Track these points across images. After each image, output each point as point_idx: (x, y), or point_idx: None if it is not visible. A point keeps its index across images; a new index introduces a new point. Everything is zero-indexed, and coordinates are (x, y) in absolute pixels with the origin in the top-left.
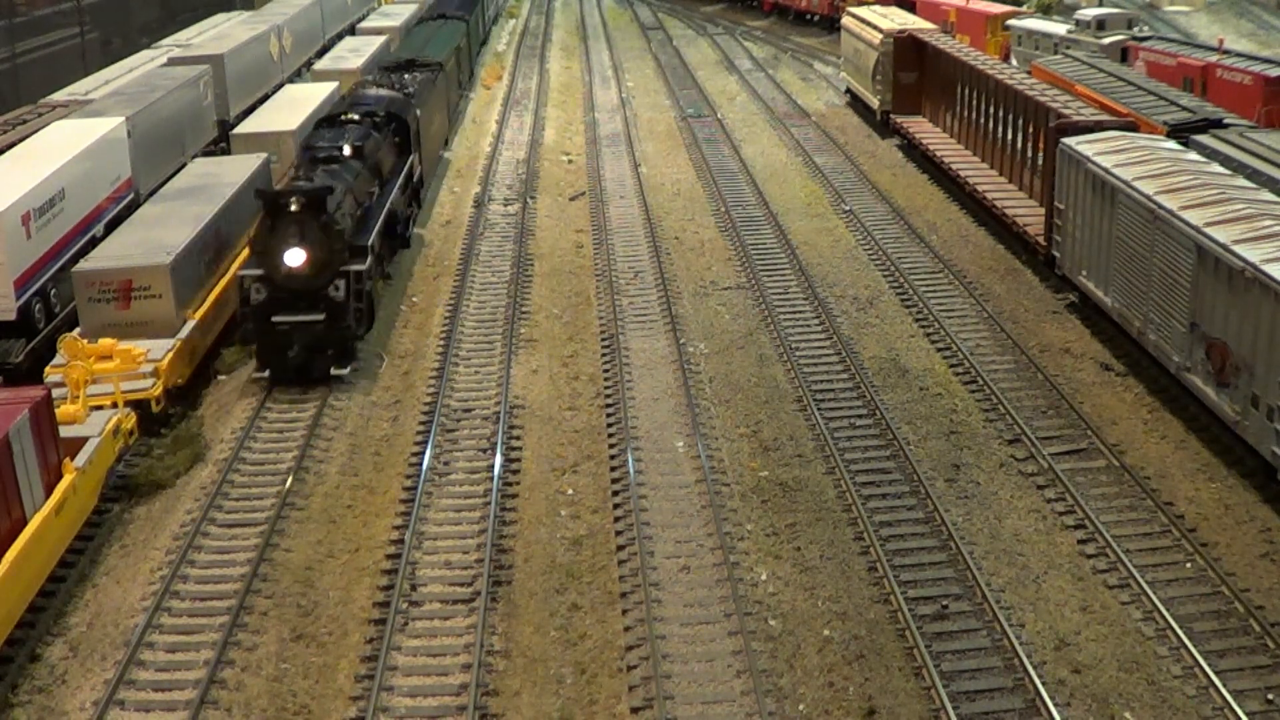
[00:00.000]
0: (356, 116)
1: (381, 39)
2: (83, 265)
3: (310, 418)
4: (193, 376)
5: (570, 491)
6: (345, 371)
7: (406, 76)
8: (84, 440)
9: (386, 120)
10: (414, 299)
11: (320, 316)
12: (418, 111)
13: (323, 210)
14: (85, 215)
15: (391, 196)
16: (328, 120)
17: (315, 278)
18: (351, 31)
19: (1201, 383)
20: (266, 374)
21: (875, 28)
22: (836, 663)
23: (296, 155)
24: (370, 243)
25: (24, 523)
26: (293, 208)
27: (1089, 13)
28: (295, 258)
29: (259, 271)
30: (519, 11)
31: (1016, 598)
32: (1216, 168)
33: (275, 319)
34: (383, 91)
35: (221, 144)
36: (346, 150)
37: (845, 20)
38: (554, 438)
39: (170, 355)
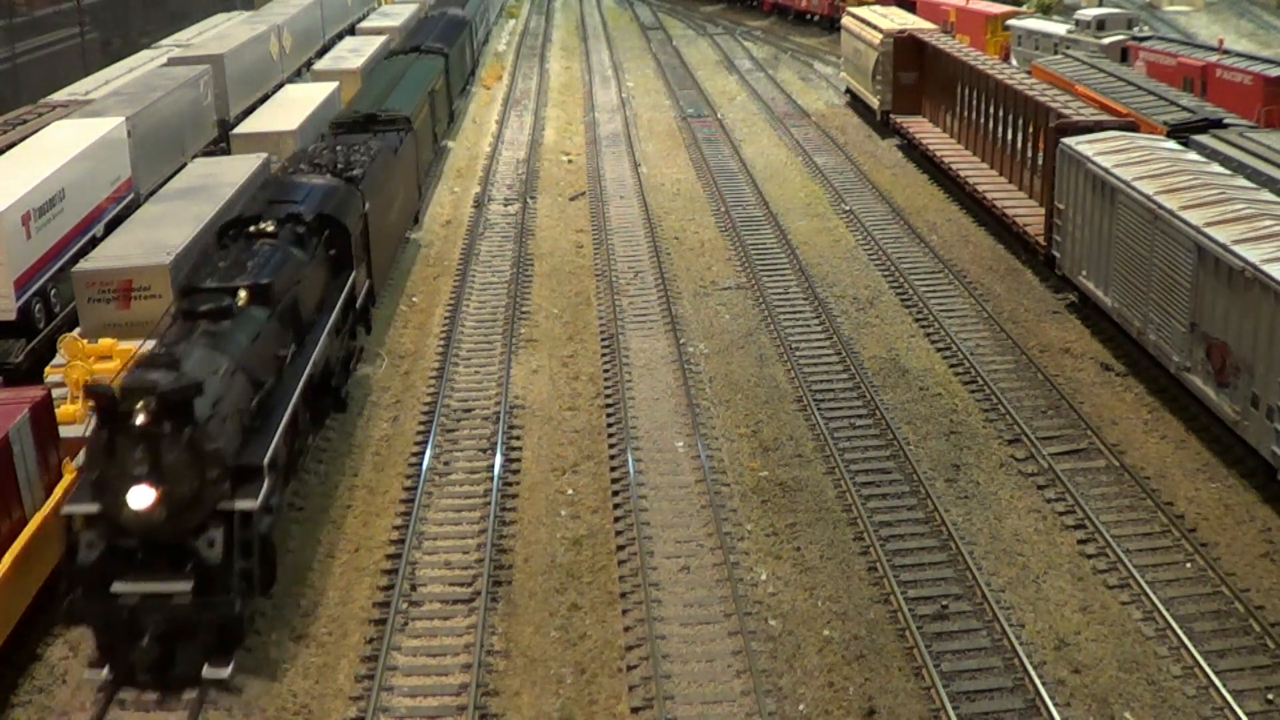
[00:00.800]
0: (272, 226)
1: (381, 39)
2: (83, 265)
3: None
4: None
5: (570, 491)
6: (225, 673)
7: (357, 152)
8: (84, 440)
9: (317, 226)
10: (414, 299)
11: (184, 586)
12: (366, 206)
13: (187, 420)
14: (85, 215)
15: (316, 350)
16: (232, 228)
17: (176, 524)
18: (351, 31)
19: (1201, 383)
20: (105, 673)
21: (875, 28)
22: (836, 663)
23: (174, 298)
24: (268, 459)
25: (24, 523)
26: (139, 418)
27: (1089, 13)
28: (142, 498)
29: (93, 508)
30: (519, 11)
31: (1016, 598)
32: (1216, 168)
33: (116, 588)
34: (316, 180)
35: (221, 144)
36: (242, 296)
37: (845, 20)
38: (554, 438)
39: None
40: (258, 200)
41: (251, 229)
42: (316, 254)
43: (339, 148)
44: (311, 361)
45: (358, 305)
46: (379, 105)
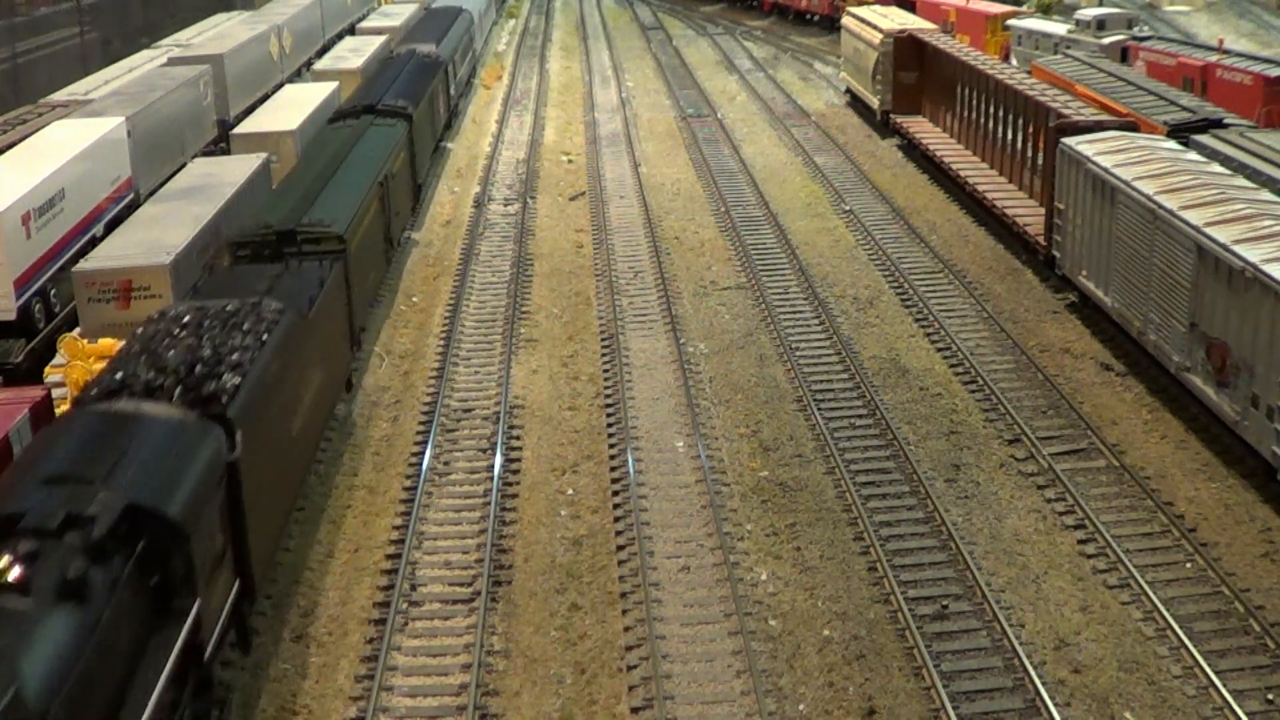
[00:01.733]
0: (18, 569)
1: (381, 39)
2: (82, 265)
3: None
4: None
5: (570, 491)
6: None
7: (237, 329)
8: None
9: (125, 534)
10: (414, 299)
11: None
12: (237, 450)
13: None
14: (85, 215)
15: None
16: None
17: None
18: (351, 31)
19: (1201, 383)
20: None
21: (875, 28)
22: (836, 663)
23: None
24: None
25: None
26: None
27: (1089, 13)
28: None
29: None
30: (519, 11)
31: (1016, 598)
32: (1216, 168)
33: None
34: (148, 413)
35: (221, 144)
36: None
37: (845, 20)
38: (554, 438)
39: None
40: (27, 475)
41: None
42: (113, 601)
43: (205, 324)
44: None
45: (207, 652)
46: (303, 211)
